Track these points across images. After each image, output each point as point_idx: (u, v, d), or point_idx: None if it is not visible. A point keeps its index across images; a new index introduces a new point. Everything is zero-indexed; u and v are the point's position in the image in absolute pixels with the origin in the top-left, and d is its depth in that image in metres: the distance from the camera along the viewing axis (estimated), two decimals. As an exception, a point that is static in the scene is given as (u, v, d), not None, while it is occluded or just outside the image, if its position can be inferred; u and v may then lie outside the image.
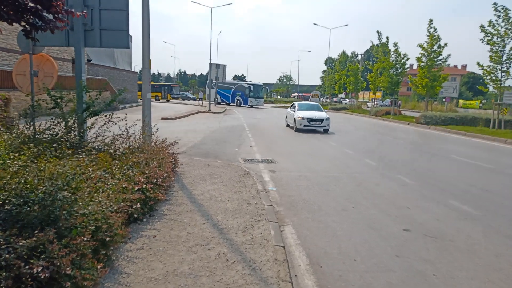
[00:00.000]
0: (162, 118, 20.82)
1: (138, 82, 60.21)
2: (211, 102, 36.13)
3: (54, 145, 5.35)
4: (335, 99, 60.78)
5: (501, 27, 19.45)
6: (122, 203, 4.17)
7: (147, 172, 5.24)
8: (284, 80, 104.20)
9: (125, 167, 5.22)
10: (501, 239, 4.91)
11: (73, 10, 4.24)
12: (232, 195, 6.10)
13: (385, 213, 5.81)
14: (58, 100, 6.30)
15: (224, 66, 36.08)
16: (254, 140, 13.71)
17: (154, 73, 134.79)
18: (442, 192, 7.17)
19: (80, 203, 3.62)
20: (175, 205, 5.37)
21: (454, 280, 3.76)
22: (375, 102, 44.92)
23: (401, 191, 7.16)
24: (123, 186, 4.52)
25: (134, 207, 4.39)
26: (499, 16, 19.46)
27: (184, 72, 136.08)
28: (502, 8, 19.31)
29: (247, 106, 44.90)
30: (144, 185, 4.83)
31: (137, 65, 65.82)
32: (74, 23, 6.68)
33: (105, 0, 6.89)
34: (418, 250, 4.44)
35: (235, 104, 45.57)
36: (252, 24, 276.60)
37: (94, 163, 5.08)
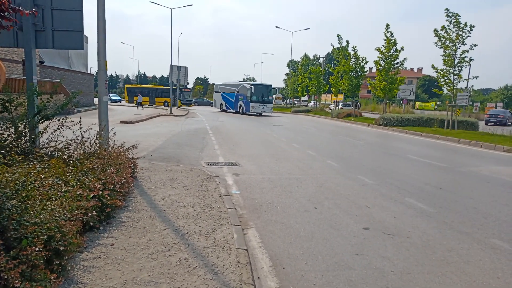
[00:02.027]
0: (121, 122, 20.28)
1: (127, 86, 55.25)
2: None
3: (2, 151, 5.06)
4: (313, 103, 59.05)
5: (453, 32, 20.54)
6: (76, 211, 3.98)
7: (103, 178, 5.03)
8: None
9: (79, 174, 4.99)
10: (454, 234, 5.15)
11: (21, 8, 4.02)
12: (194, 200, 6.00)
13: (346, 212, 5.94)
14: (7, 104, 5.95)
15: (186, 68, 35.66)
16: (218, 143, 13.63)
17: (111, 75, 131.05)
18: (400, 190, 7.43)
19: (31, 212, 3.43)
20: (134, 212, 5.21)
21: (410, 275, 3.89)
22: (337, 104, 46.04)
23: (361, 191, 7.35)
24: (78, 193, 4.32)
25: (89, 214, 4.20)
26: (450, 22, 20.55)
27: (144, 74, 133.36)
28: (453, 14, 20.41)
29: (253, 114, 35.41)
30: (101, 192, 4.64)
31: (93, 66, 62.56)
32: (24, 23, 6.34)
33: (57, 0, 6.60)
34: (376, 248, 4.56)
35: (238, 112, 37.24)
36: (215, 26, 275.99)
37: (46, 169, 4.83)
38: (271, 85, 38.18)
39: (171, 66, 33.96)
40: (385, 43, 26.97)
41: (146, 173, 7.69)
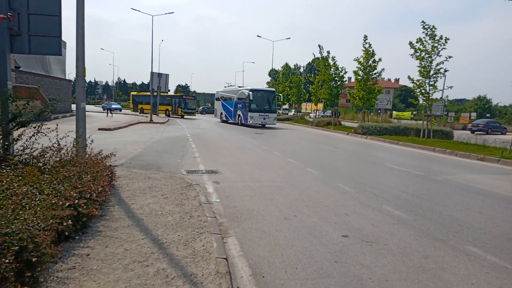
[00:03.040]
0: (99, 129, 19.92)
1: (133, 93, 51.94)
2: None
3: (-27, 159, 4.88)
4: (295, 111, 57.71)
5: (428, 44, 21.19)
6: (51, 220, 3.86)
7: (79, 186, 4.92)
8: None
9: (55, 182, 4.86)
10: (430, 241, 5.25)
11: (-5, 12, 3.93)
12: (174, 208, 5.93)
13: (325, 220, 5.98)
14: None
15: (167, 75, 35.41)
16: (198, 151, 13.54)
17: (90, 81, 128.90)
18: (378, 198, 7.55)
19: (2, 222, 3.31)
20: (111, 221, 5.10)
21: (388, 282, 3.94)
22: (317, 113, 46.57)
23: (340, 199, 7.43)
24: (53, 202, 4.20)
25: (65, 224, 4.08)
26: (426, 34, 21.20)
27: (124, 80, 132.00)
28: (429, 27, 21.07)
29: (255, 125, 30.54)
30: (77, 201, 4.52)
31: (71, 72, 61.08)
32: (-2, 26, 6.18)
33: (34, 4, 6.46)
34: (355, 255, 4.61)
35: (237, 123, 32.45)
36: (196, 34, 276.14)
37: (20, 177, 4.68)
38: (274, 91, 32.36)
39: (152, 73, 33.67)
40: (364, 53, 27.57)
41: (125, 181, 7.56)
